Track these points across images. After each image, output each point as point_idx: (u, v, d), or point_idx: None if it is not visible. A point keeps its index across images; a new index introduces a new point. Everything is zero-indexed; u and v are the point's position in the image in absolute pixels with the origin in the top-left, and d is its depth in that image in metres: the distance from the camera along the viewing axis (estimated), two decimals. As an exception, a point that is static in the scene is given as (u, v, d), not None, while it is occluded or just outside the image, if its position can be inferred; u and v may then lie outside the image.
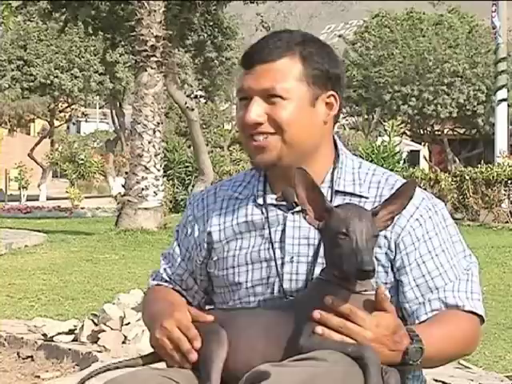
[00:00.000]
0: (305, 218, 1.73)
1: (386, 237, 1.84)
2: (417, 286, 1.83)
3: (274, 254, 1.87)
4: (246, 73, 1.89)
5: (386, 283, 1.85)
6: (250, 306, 1.90)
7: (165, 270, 2.06)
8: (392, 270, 1.86)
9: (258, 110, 1.85)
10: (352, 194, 1.89)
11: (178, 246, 2.05)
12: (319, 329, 1.64)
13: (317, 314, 1.65)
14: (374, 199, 1.88)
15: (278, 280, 1.87)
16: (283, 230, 1.88)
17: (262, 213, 1.92)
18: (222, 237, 1.96)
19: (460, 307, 1.83)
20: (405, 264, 1.84)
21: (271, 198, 1.92)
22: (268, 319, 1.75)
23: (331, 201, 1.86)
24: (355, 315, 1.66)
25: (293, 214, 1.89)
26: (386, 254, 1.85)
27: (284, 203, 1.89)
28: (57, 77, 33.54)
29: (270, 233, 1.89)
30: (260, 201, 1.93)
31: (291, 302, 1.79)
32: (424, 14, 35.52)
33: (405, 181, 1.89)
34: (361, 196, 1.89)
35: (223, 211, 1.98)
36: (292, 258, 1.86)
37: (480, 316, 1.86)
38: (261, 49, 1.88)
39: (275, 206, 1.91)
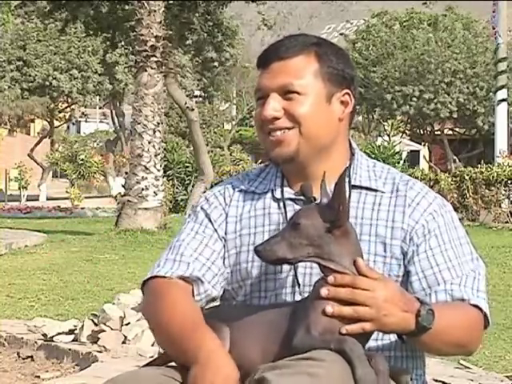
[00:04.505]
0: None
1: (402, 228, 1.88)
2: (424, 277, 1.86)
3: None
4: (262, 72, 1.92)
5: (398, 276, 1.87)
6: (260, 303, 1.89)
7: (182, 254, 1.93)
8: (404, 262, 1.88)
9: (275, 105, 1.88)
10: (368, 189, 1.92)
11: (196, 232, 1.97)
12: (329, 307, 1.65)
13: (324, 290, 1.66)
14: (390, 194, 1.92)
15: (292, 274, 1.87)
16: None
17: (279, 207, 1.93)
18: (237, 228, 1.95)
19: (466, 300, 1.84)
20: (414, 254, 1.87)
21: (289, 193, 1.94)
22: (273, 318, 1.75)
23: (349, 195, 1.88)
24: (361, 281, 1.67)
25: None
26: (400, 246, 1.88)
27: (302, 198, 1.90)
28: (55, 78, 33.52)
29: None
30: (278, 195, 1.94)
31: (298, 302, 1.79)
32: (423, 13, 35.59)
33: (415, 180, 1.98)
34: (377, 190, 1.92)
35: (240, 203, 1.97)
36: None
37: (485, 316, 1.86)
38: (277, 48, 1.92)
39: (293, 200, 1.92)
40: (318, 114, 1.88)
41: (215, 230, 1.95)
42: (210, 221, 1.96)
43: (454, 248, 1.88)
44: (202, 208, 2.00)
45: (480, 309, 1.85)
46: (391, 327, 1.69)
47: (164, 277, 1.89)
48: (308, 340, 1.64)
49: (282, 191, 1.94)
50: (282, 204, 1.92)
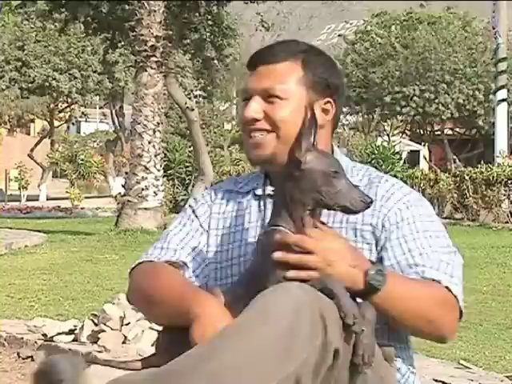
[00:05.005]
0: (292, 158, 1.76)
1: (373, 215, 1.91)
2: (397, 262, 1.88)
3: None
4: (250, 74, 2.00)
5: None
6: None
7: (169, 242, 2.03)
8: (376, 248, 1.91)
9: (256, 107, 1.94)
10: None
11: (184, 225, 2.06)
12: (291, 273, 1.68)
13: (277, 254, 1.70)
14: (364, 187, 1.95)
15: None
16: None
17: (260, 205, 1.99)
18: (219, 225, 2.03)
19: (436, 281, 1.84)
20: (386, 241, 1.90)
21: (270, 190, 1.99)
22: (237, 289, 1.80)
23: None
24: (312, 231, 1.71)
25: None
26: (372, 232, 1.91)
27: None
28: (55, 79, 33.50)
29: (265, 223, 1.94)
30: (259, 192, 2.01)
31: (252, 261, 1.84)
32: (422, 14, 35.59)
33: (391, 177, 2.02)
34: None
35: (224, 201, 2.05)
36: None
37: (459, 303, 1.86)
38: (266, 52, 1.99)
39: (272, 196, 1.96)
40: (297, 119, 1.90)
41: (201, 224, 2.04)
42: (196, 216, 2.06)
43: (427, 238, 1.90)
44: (189, 205, 2.10)
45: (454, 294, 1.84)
46: (336, 279, 1.70)
47: (152, 261, 1.99)
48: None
49: (263, 189, 2.00)
50: (262, 202, 1.98)
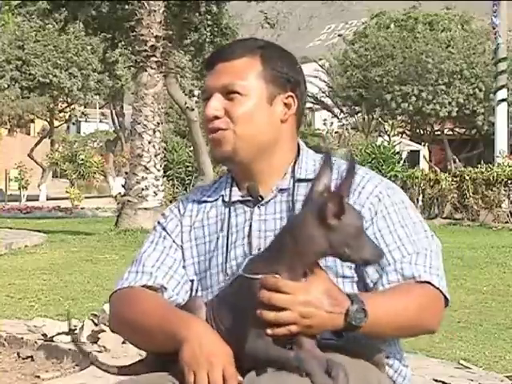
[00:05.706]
0: (322, 214, 1.65)
1: None
2: None
3: (236, 251, 1.91)
4: (208, 73, 1.97)
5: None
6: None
7: (144, 265, 2.02)
8: None
9: (216, 105, 1.92)
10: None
11: (156, 244, 2.05)
12: (269, 331, 1.65)
13: (259, 314, 1.66)
14: (335, 181, 1.92)
15: None
16: (250, 225, 1.92)
17: (230, 211, 1.96)
18: (191, 237, 2.00)
19: (416, 277, 1.83)
20: None
21: (237, 195, 1.97)
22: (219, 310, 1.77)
23: (293, 188, 1.92)
24: (283, 285, 1.65)
25: (259, 207, 1.93)
26: None
27: (250, 198, 1.94)
28: (55, 76, 33.52)
29: (228, 231, 1.93)
30: (226, 199, 1.98)
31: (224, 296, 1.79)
32: (421, 14, 35.61)
33: (360, 166, 1.95)
34: None
35: (193, 213, 2.02)
36: (259, 251, 1.87)
37: (441, 292, 1.86)
38: (223, 50, 1.98)
39: (241, 202, 1.96)
40: (258, 115, 1.91)
41: (173, 240, 2.01)
42: (167, 232, 2.02)
43: (404, 227, 1.89)
44: (159, 223, 2.07)
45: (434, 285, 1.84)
46: (317, 328, 1.68)
47: (129, 287, 1.96)
48: (261, 345, 1.66)
49: (230, 194, 1.98)
50: (230, 207, 1.96)
